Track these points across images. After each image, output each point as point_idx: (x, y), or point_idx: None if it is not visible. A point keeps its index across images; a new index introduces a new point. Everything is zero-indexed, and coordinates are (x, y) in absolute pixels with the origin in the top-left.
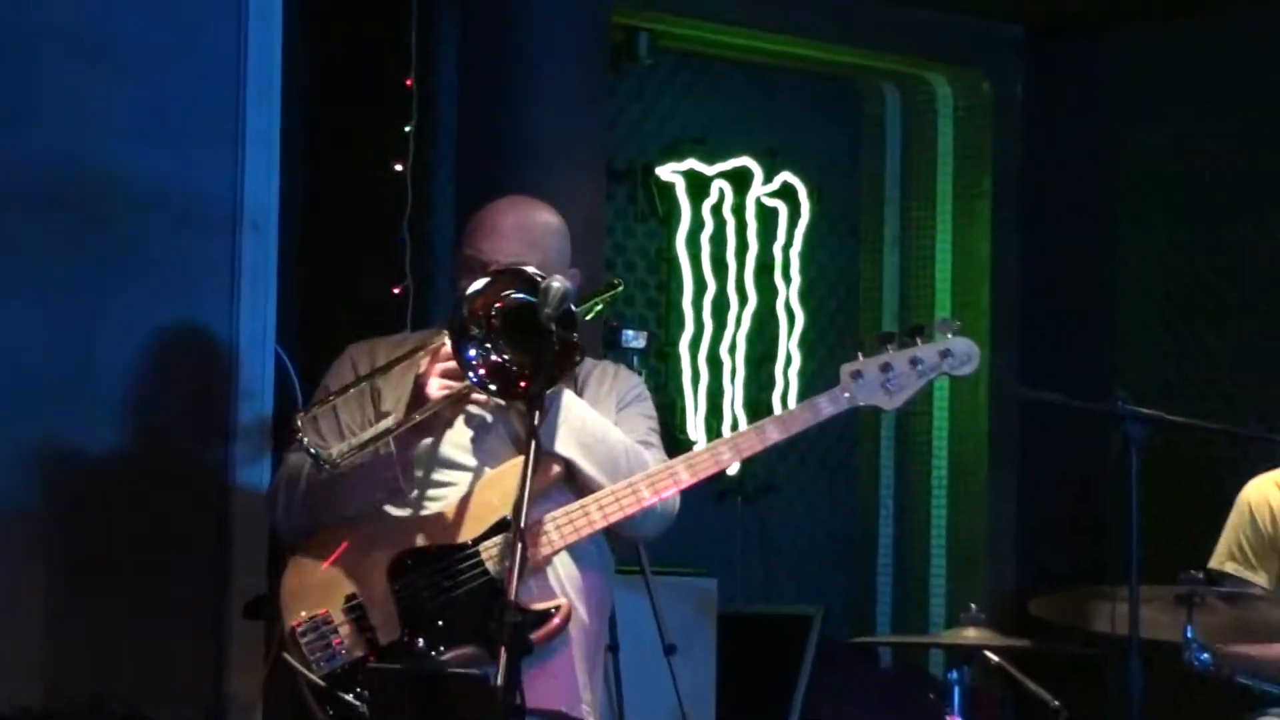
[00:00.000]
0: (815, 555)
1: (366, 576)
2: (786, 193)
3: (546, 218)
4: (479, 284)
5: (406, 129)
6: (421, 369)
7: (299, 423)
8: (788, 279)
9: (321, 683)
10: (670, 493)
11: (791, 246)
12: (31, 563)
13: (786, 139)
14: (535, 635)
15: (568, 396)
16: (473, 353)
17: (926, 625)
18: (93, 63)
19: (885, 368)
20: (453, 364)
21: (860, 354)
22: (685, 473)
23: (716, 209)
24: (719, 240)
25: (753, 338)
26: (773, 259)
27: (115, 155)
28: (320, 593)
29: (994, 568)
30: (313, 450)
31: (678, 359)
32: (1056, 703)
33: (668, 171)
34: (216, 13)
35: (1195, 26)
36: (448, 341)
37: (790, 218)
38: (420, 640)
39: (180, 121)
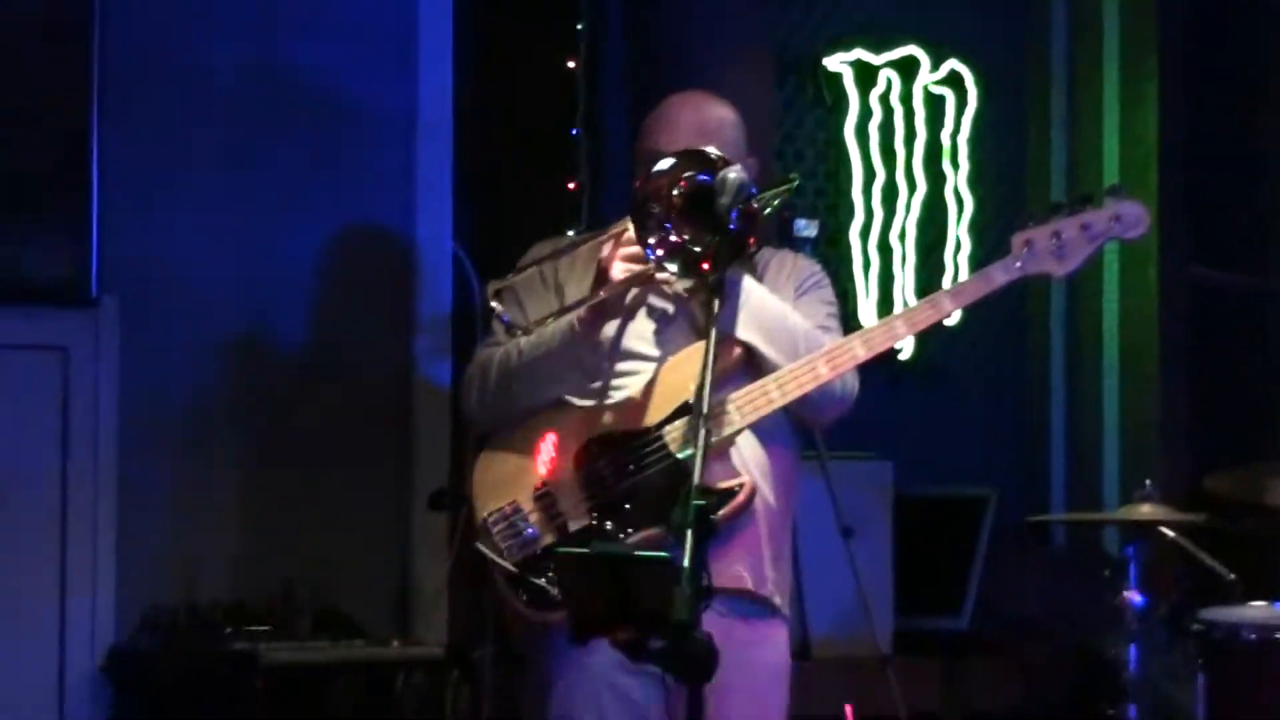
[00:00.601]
0: (989, 437)
1: (555, 465)
2: (954, 80)
3: (721, 111)
4: (662, 164)
5: (578, 26)
6: (604, 253)
7: (491, 291)
8: (956, 166)
9: (514, 569)
10: (848, 367)
11: (959, 133)
12: (223, 456)
13: (953, 27)
14: (720, 514)
15: (747, 282)
16: (653, 234)
17: (1100, 505)
18: None
19: (1055, 234)
20: (636, 248)
21: (1030, 222)
22: (862, 348)
23: (884, 98)
24: (887, 129)
25: (923, 224)
26: (940, 146)
27: (294, 60)
28: (510, 483)
29: (1167, 446)
30: (505, 317)
31: (848, 246)
32: (1232, 576)
33: (835, 61)
34: None
35: None
36: (631, 227)
37: (958, 105)
38: (608, 524)
39: (355, 26)
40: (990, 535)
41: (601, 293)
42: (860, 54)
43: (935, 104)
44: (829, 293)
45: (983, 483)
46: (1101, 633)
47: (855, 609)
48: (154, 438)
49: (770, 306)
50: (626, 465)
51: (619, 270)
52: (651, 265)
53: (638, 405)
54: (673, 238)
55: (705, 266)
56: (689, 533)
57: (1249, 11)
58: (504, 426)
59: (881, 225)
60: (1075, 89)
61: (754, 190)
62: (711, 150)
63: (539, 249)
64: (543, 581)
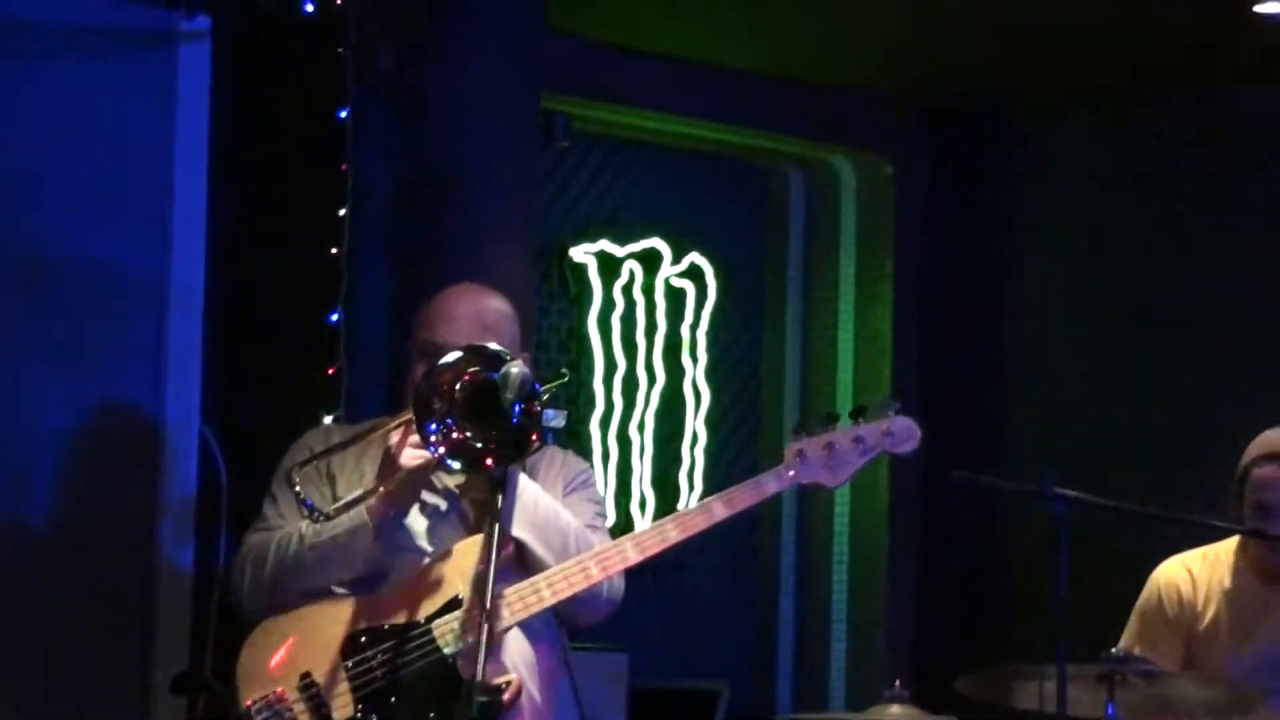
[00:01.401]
0: (720, 630)
1: (321, 655)
2: (694, 273)
3: (498, 304)
4: (445, 359)
5: (341, 213)
6: (393, 441)
7: (295, 478)
8: (695, 358)
9: None
10: (618, 569)
11: (699, 326)
12: None
13: (695, 221)
14: None
15: (522, 479)
16: (434, 427)
17: (826, 701)
18: (20, 146)
19: (829, 446)
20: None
21: (804, 433)
22: (633, 551)
23: (627, 289)
24: (629, 320)
25: (661, 416)
26: (680, 339)
27: (46, 231)
28: (275, 671)
29: (894, 644)
30: (309, 501)
31: (588, 437)
32: None
33: (580, 252)
34: (146, 97)
35: (1094, 111)
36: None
37: (698, 298)
38: (373, 717)
39: (109, 200)
40: None
41: (388, 482)
42: (605, 245)
43: (676, 296)
44: (595, 491)
45: (715, 676)
46: None
47: None
48: None
49: (543, 505)
50: (393, 658)
51: (408, 457)
52: (437, 456)
53: (408, 596)
54: (455, 434)
55: (489, 462)
56: None
57: (984, 213)
58: (271, 612)
59: (621, 416)
60: (811, 285)
61: (537, 386)
62: (493, 346)
63: (310, 436)
64: None
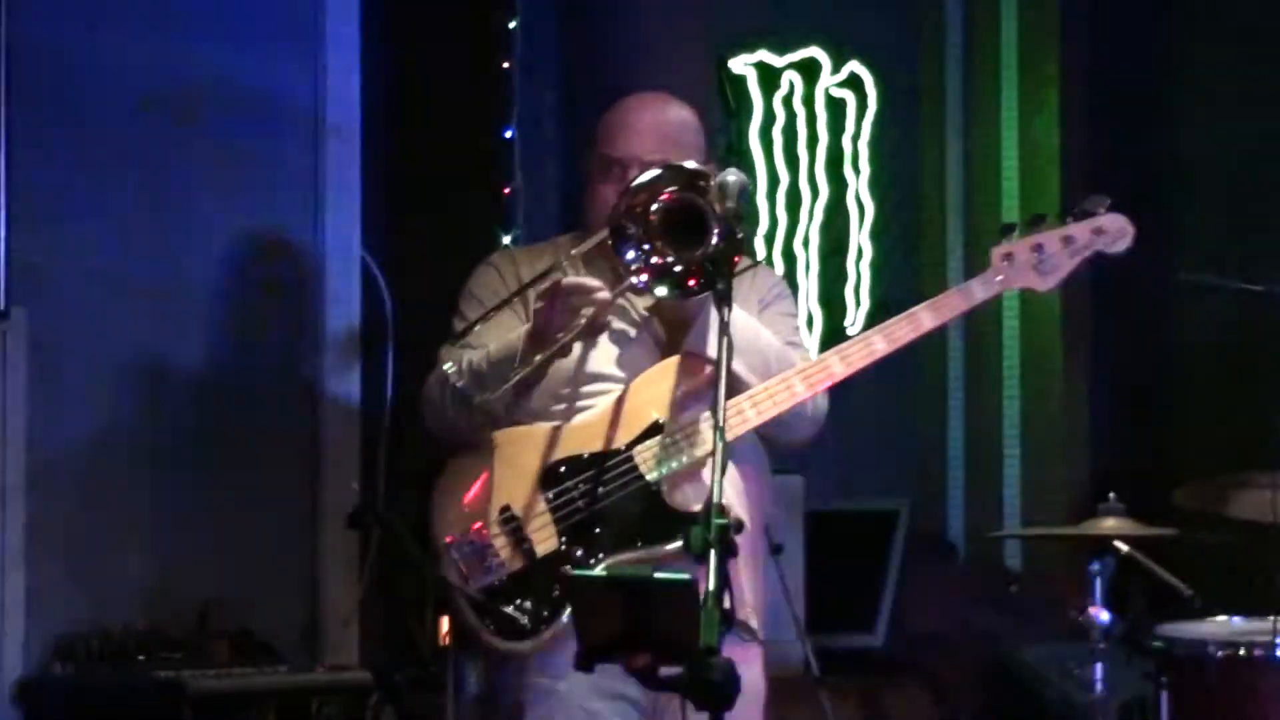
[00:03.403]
0: (888, 451)
1: (518, 487)
2: (854, 83)
3: (682, 113)
4: (641, 178)
5: (511, 25)
6: (571, 281)
7: (444, 353)
8: (857, 170)
9: (480, 597)
10: (825, 385)
11: (860, 138)
12: (130, 477)
13: (853, 28)
14: None
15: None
16: (631, 254)
17: (1000, 519)
18: None
19: (1037, 248)
20: (581, 282)
21: (1010, 235)
22: (839, 365)
23: (787, 100)
24: (790, 132)
25: (825, 230)
26: (842, 151)
27: (196, 58)
28: (472, 506)
29: (1070, 456)
30: (459, 384)
31: (753, 252)
32: (1190, 591)
33: (739, 63)
34: None
35: None
36: (565, 274)
37: (859, 108)
38: (578, 549)
39: (260, 23)
40: (902, 550)
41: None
42: (763, 55)
43: (836, 107)
44: (791, 304)
45: (889, 495)
46: (1013, 650)
47: (783, 628)
48: (59, 460)
49: (740, 323)
50: (595, 488)
51: (555, 326)
52: (606, 297)
53: (606, 423)
54: (655, 258)
55: (692, 283)
56: (711, 554)
57: (1152, 17)
58: (465, 443)
59: (786, 231)
60: (971, 93)
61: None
62: (690, 164)
63: (498, 259)
64: (511, 609)
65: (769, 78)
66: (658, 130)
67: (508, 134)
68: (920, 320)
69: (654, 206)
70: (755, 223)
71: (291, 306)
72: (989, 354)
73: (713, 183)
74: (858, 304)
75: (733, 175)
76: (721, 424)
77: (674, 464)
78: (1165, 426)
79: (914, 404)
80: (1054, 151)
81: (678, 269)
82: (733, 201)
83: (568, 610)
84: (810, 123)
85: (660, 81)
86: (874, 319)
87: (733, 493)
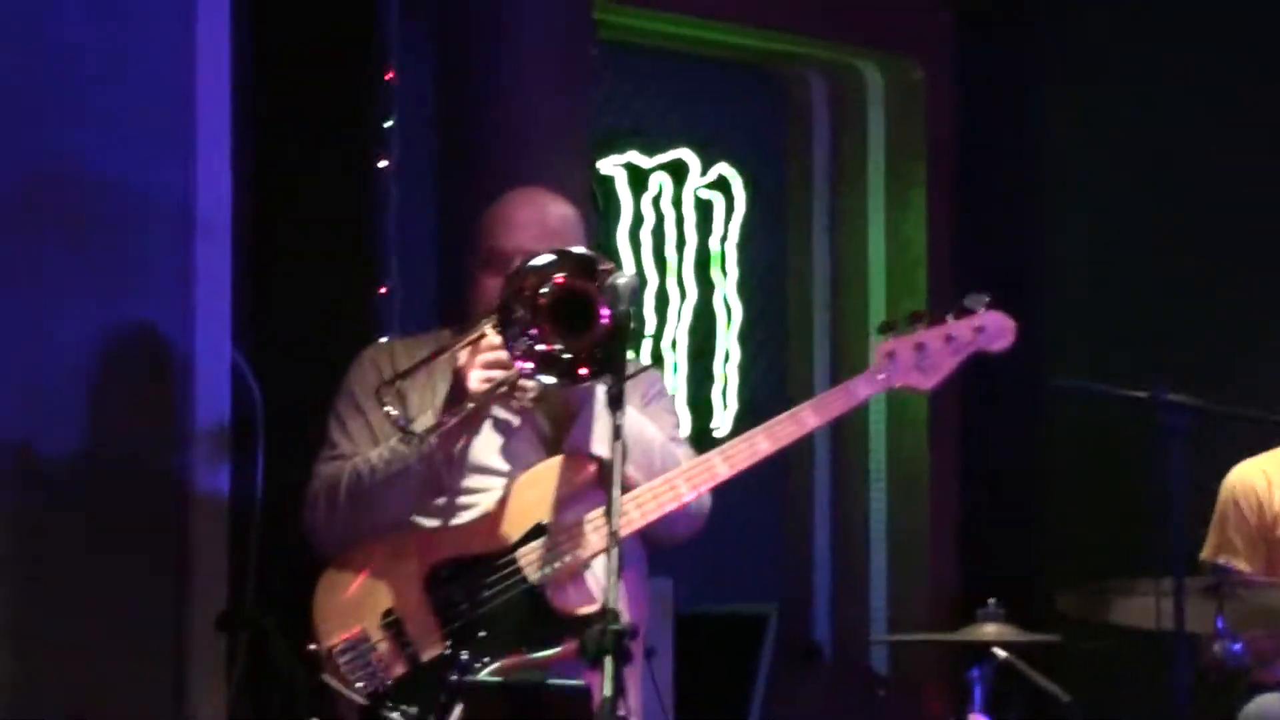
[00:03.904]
0: (756, 551)
1: (401, 590)
2: (722, 184)
3: (563, 209)
4: (534, 262)
5: (387, 124)
6: (460, 361)
7: (385, 397)
8: (724, 272)
9: (365, 701)
10: (709, 486)
11: (728, 239)
12: None
13: (721, 130)
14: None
15: (600, 393)
16: (517, 339)
17: (866, 622)
18: (39, 63)
19: (919, 346)
20: (497, 354)
21: (892, 333)
22: (723, 465)
23: (656, 201)
24: (659, 233)
25: (692, 332)
26: (710, 252)
27: (65, 158)
28: (354, 610)
29: (939, 558)
30: (401, 420)
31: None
32: (1068, 698)
33: (609, 164)
34: (164, 12)
35: (1130, 5)
36: (488, 331)
37: (726, 210)
38: (463, 653)
39: (129, 122)
40: (771, 654)
41: (466, 404)
42: (632, 157)
43: (705, 209)
44: (672, 402)
45: (756, 599)
46: None
47: None
48: None
49: (628, 420)
50: (479, 591)
51: (477, 380)
52: (514, 371)
53: (489, 525)
54: (542, 345)
55: (583, 372)
56: (607, 660)
57: (1017, 115)
58: (350, 547)
59: (654, 333)
60: (838, 194)
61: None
62: (580, 250)
63: (374, 352)
64: (396, 716)
65: (638, 179)
66: (541, 224)
67: (385, 234)
68: (804, 419)
69: (543, 290)
70: (643, 324)
71: (159, 403)
72: (855, 454)
73: (604, 284)
74: (724, 406)
75: (623, 278)
76: (616, 529)
77: (557, 565)
78: (1036, 530)
79: (780, 504)
80: (921, 252)
81: (566, 356)
82: (624, 304)
83: (455, 716)
84: (679, 224)
85: (536, 179)
86: (741, 421)
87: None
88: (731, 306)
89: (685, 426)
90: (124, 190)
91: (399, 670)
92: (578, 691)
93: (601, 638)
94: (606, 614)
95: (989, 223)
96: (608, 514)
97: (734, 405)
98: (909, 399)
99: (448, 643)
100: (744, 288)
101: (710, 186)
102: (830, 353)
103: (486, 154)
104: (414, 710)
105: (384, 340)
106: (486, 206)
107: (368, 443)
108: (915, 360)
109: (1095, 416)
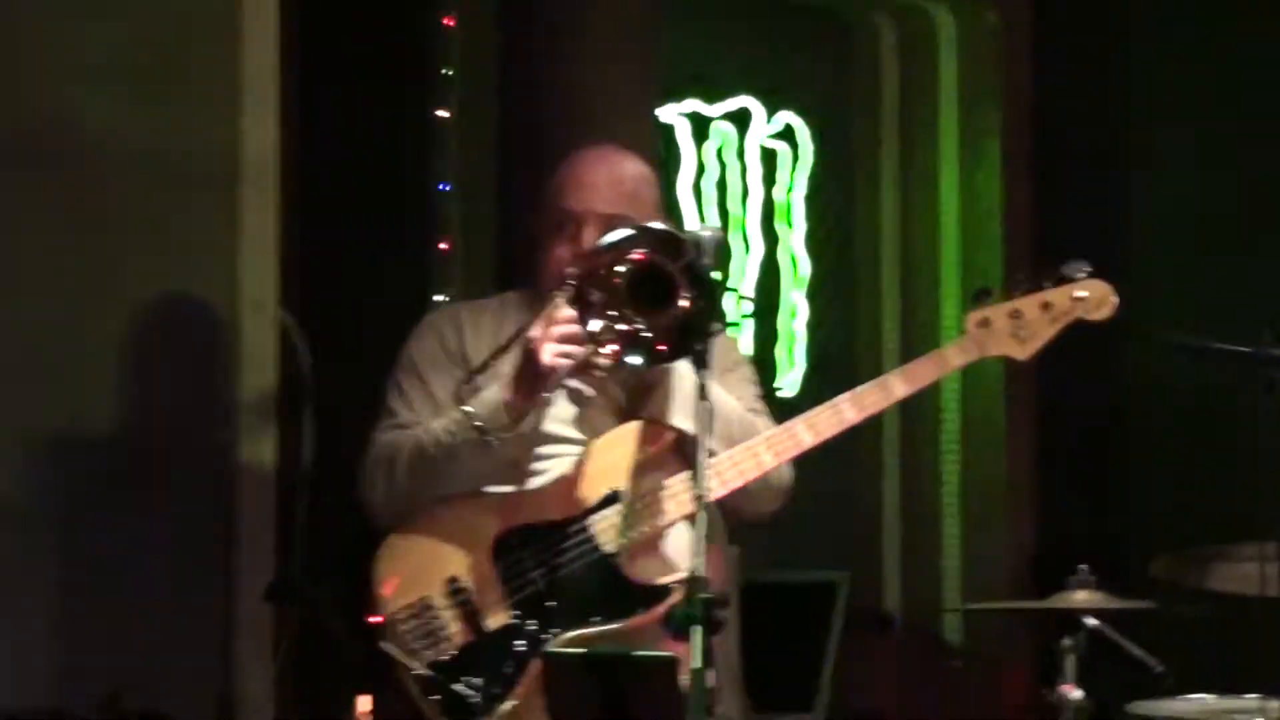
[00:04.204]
0: (823, 518)
1: (467, 557)
2: (787, 134)
3: (638, 168)
4: (604, 240)
5: (447, 72)
6: (534, 333)
7: (465, 397)
8: (790, 224)
9: (427, 673)
10: (792, 454)
11: (794, 190)
12: (34, 552)
13: (786, 76)
14: (650, 614)
15: (679, 363)
16: (598, 324)
17: (940, 590)
18: (75, 13)
19: (1015, 314)
20: (571, 327)
21: (987, 299)
22: (807, 433)
23: (719, 152)
24: (722, 185)
25: (758, 287)
26: (775, 204)
27: (102, 111)
28: (417, 576)
29: (1014, 523)
30: (479, 423)
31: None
32: (1161, 667)
33: (670, 113)
34: None
35: None
36: (561, 304)
37: (793, 160)
38: (531, 623)
39: (170, 72)
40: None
41: (539, 380)
42: (694, 105)
43: (769, 159)
44: (751, 370)
45: (824, 567)
46: None
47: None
48: None
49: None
50: (550, 559)
51: (551, 354)
52: (590, 347)
53: (561, 491)
54: (621, 325)
55: (662, 348)
56: (696, 631)
57: (1096, 61)
58: (408, 512)
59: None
60: (908, 145)
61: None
62: (658, 225)
63: (439, 319)
64: (460, 687)
65: (700, 128)
66: (614, 185)
67: (443, 188)
68: (892, 387)
69: (619, 269)
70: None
71: (202, 367)
72: (927, 414)
73: (688, 240)
74: (790, 364)
75: (708, 231)
76: (704, 491)
77: (632, 534)
78: (1117, 494)
79: (848, 469)
80: (995, 205)
81: (646, 335)
82: (710, 259)
83: (520, 688)
84: (743, 175)
85: (601, 131)
86: (809, 381)
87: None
88: (798, 260)
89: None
90: (165, 141)
91: (463, 640)
92: (665, 663)
93: (689, 606)
94: (695, 582)
95: (1067, 175)
96: (694, 478)
97: (800, 364)
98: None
99: (515, 612)
100: (811, 241)
101: (775, 136)
102: (900, 309)
103: (550, 105)
104: (478, 681)
105: (447, 304)
106: (550, 160)
107: (429, 412)
108: (1011, 328)
109: (1182, 372)
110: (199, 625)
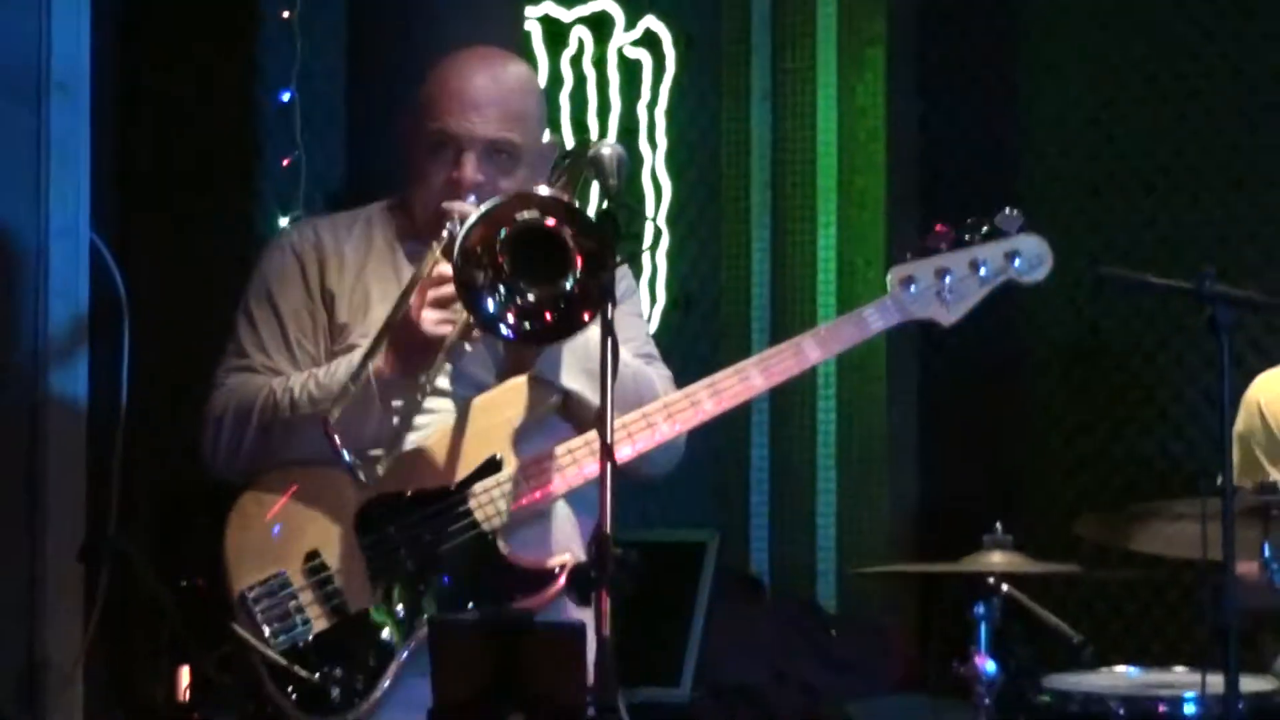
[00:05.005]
0: (687, 471)
1: (329, 529)
2: (650, 41)
3: (522, 74)
4: (469, 221)
5: None
6: (412, 303)
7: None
8: (653, 144)
9: (281, 660)
10: (693, 424)
11: (657, 105)
12: None
13: None
14: (534, 600)
15: None
16: (491, 305)
17: (814, 551)
18: None
19: (941, 273)
20: (447, 289)
21: (909, 254)
22: (709, 401)
23: (576, 60)
24: (579, 98)
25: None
26: (637, 120)
27: None
28: (273, 549)
29: (896, 479)
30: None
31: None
32: (1079, 637)
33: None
34: None
35: None
36: (441, 260)
37: (655, 71)
38: (399, 607)
39: None
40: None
41: (418, 349)
42: (549, 9)
43: (631, 70)
44: (639, 303)
45: (689, 525)
46: (835, 702)
47: None
48: None
49: (594, 345)
50: (421, 534)
51: (432, 322)
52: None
53: (433, 458)
54: (518, 299)
55: (586, 317)
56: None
57: None
58: (261, 474)
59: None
60: (780, 53)
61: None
62: (538, 191)
63: (296, 239)
64: (317, 678)
65: (555, 34)
66: (498, 103)
67: (285, 97)
68: (806, 352)
69: (498, 240)
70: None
71: (4, 292)
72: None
73: (588, 155)
74: (653, 299)
75: (607, 148)
76: (611, 442)
77: (513, 507)
78: (1006, 446)
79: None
80: (879, 122)
81: (541, 303)
82: (614, 179)
83: (385, 681)
84: (601, 87)
85: (460, 31)
86: (669, 315)
87: (575, 543)
88: (660, 183)
89: None
90: None
91: (323, 625)
92: (571, 630)
93: (597, 569)
94: (602, 541)
95: (959, 87)
96: (600, 431)
97: (661, 299)
98: (862, 290)
99: (379, 593)
100: (672, 161)
101: (636, 44)
102: (771, 237)
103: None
104: (338, 673)
105: (301, 220)
106: (398, 63)
107: (281, 351)
108: (936, 288)
109: (1076, 317)
110: (2, 584)
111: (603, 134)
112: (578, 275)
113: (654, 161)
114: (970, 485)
